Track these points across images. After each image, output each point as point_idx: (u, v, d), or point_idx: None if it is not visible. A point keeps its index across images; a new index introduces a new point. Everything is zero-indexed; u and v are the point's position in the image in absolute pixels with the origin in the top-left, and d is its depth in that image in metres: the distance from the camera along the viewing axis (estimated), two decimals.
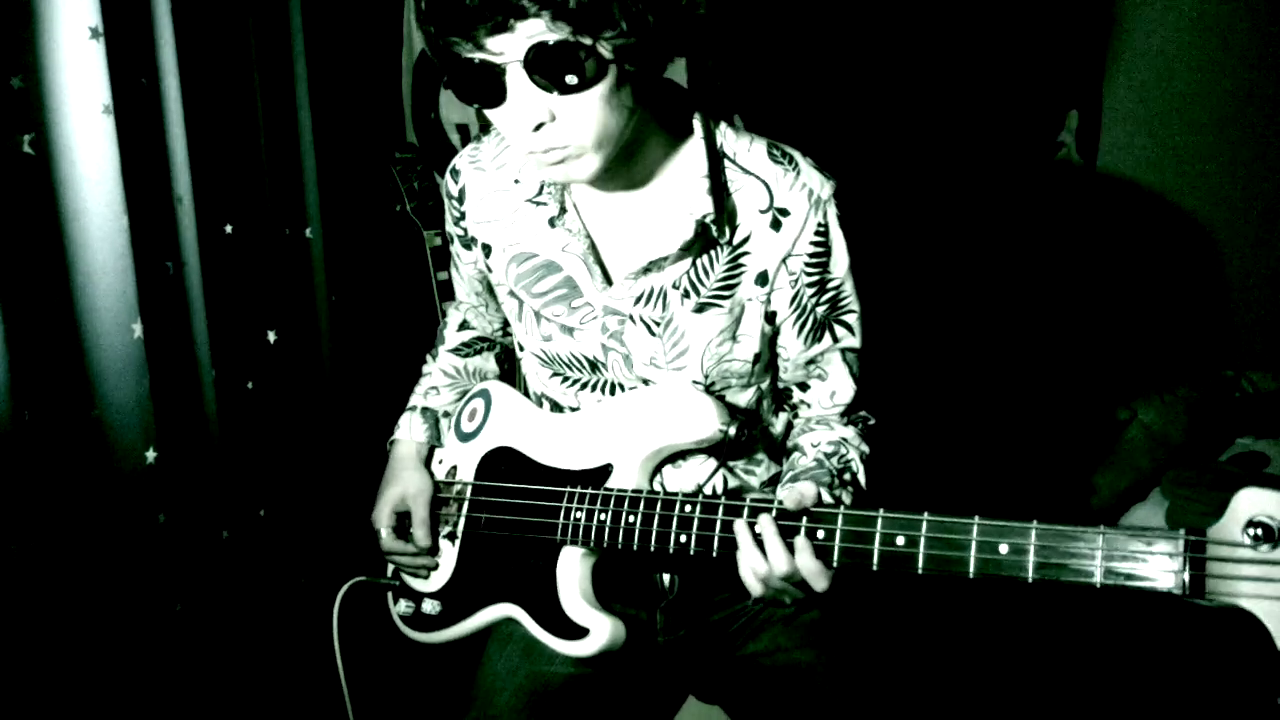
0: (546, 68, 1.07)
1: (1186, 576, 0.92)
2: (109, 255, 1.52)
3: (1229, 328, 2.67)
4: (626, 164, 1.24)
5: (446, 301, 2.49)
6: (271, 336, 1.99)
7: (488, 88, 1.10)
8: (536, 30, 1.04)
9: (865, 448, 1.38)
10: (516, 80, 1.08)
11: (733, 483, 1.39)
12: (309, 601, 2.01)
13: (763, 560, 1.16)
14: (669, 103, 1.28)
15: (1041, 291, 2.70)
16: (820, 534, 1.13)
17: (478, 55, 1.08)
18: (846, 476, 1.34)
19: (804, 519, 1.14)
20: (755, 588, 1.19)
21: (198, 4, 1.74)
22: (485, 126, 2.61)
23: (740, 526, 1.17)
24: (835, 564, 1.12)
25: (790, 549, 1.14)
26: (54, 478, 1.49)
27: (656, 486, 1.35)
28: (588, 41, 1.06)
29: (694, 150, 1.27)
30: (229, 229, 1.86)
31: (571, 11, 1.03)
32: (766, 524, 1.15)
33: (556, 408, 1.45)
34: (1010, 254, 2.68)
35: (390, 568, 1.57)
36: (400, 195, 2.51)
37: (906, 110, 2.58)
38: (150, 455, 1.61)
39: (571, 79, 1.07)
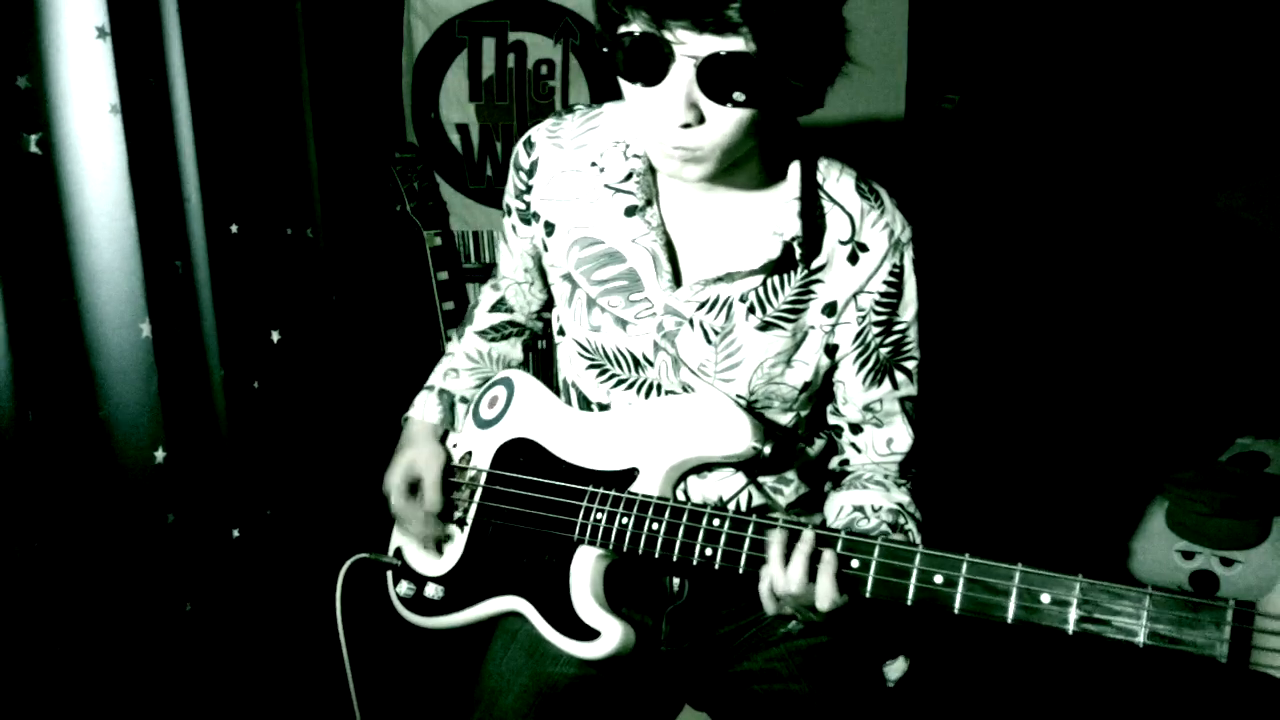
0: (721, 77, 1.06)
1: (1231, 645, 0.92)
2: (116, 255, 1.51)
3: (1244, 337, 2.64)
4: (727, 173, 1.23)
5: (447, 301, 2.50)
6: (275, 336, 1.99)
7: (647, 67, 1.09)
8: (728, 40, 1.04)
9: (919, 515, 1.36)
10: (682, 74, 1.07)
11: (758, 499, 1.37)
12: (314, 597, 2.01)
13: (783, 576, 1.15)
14: (779, 124, 1.27)
15: (1052, 300, 2.71)
16: (855, 563, 1.12)
17: (650, 31, 1.06)
18: None
19: (838, 544, 1.14)
20: (770, 605, 1.19)
21: (204, 4, 1.73)
22: (486, 127, 2.62)
23: (777, 536, 1.16)
24: (868, 595, 1.11)
25: (814, 570, 1.13)
26: (61, 478, 1.49)
27: (680, 495, 1.33)
28: (769, 70, 1.06)
29: (790, 172, 1.27)
30: (234, 229, 1.85)
31: (774, 38, 1.03)
32: (805, 540, 1.14)
33: (584, 400, 1.43)
34: (1026, 268, 2.68)
35: (392, 548, 1.56)
36: (400, 195, 2.52)
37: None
38: (159, 455, 1.61)
39: (739, 96, 1.07)
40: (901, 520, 1.33)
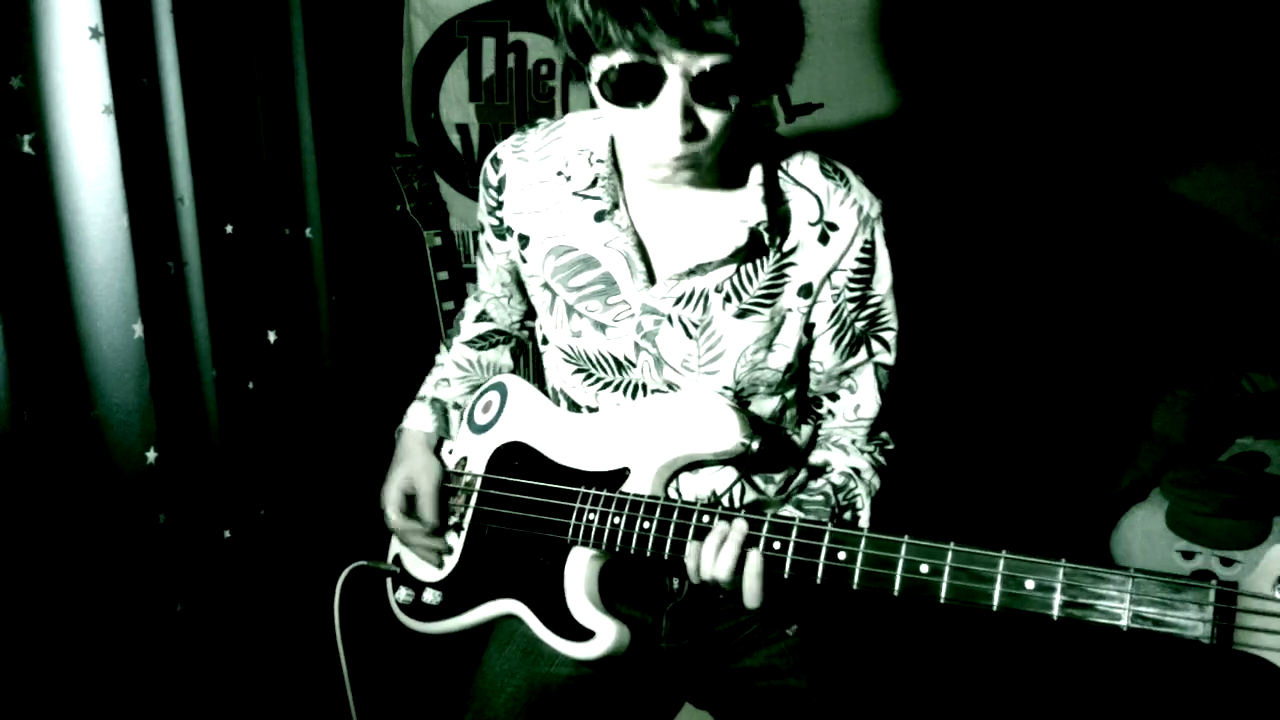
0: (715, 87, 1.09)
1: (1215, 626, 0.93)
2: (109, 255, 1.52)
3: (1230, 328, 2.66)
4: None
5: (447, 301, 2.50)
6: (272, 336, 1.99)
7: (639, 90, 1.11)
8: (718, 53, 1.06)
9: (876, 482, 1.38)
10: (676, 91, 1.09)
11: (750, 494, 1.38)
12: (309, 600, 2.01)
13: (712, 560, 1.17)
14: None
15: (1045, 293, 2.70)
16: (841, 555, 1.12)
17: (636, 56, 1.08)
18: (848, 516, 1.33)
19: (826, 538, 1.14)
20: (695, 577, 1.22)
21: (198, 4, 1.74)
22: (486, 127, 2.62)
23: (720, 526, 1.19)
24: (856, 586, 1.11)
25: (741, 564, 1.16)
26: (54, 478, 1.49)
27: (672, 493, 1.34)
28: (755, 69, 1.09)
29: (752, 161, 1.28)
30: (229, 229, 1.86)
31: (758, 42, 1.06)
32: (737, 531, 1.17)
33: (574, 406, 1.44)
34: (1015, 256, 2.68)
35: (391, 554, 1.56)
36: (400, 195, 2.52)
37: (919, 116, 2.58)
38: (151, 455, 1.61)
39: (734, 100, 1.11)
40: (851, 484, 1.35)
